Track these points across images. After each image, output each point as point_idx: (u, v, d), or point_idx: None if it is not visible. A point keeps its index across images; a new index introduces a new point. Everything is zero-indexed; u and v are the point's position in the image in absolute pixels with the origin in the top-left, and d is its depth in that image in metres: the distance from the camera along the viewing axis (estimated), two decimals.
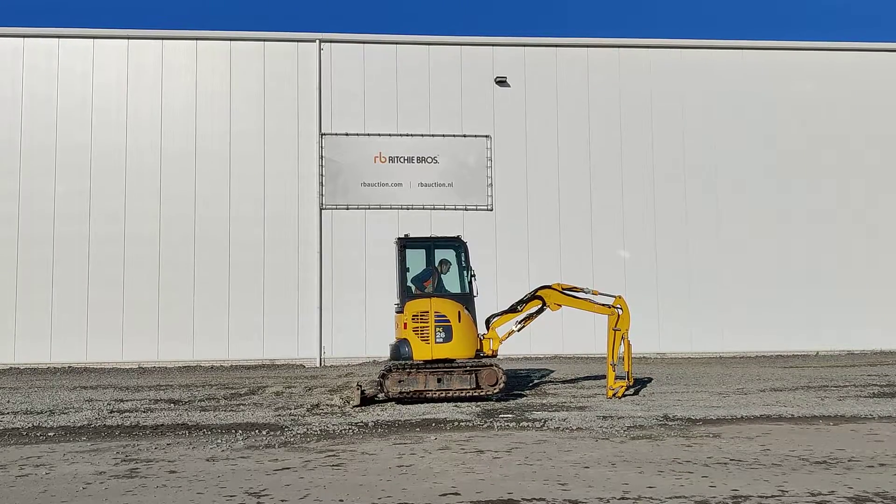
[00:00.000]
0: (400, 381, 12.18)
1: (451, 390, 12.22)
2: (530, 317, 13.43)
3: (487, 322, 13.22)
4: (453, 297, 12.68)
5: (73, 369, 19.83)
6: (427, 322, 12.39)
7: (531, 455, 8.05)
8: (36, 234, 20.67)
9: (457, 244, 13.14)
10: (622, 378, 13.16)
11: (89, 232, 20.78)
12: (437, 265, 13.02)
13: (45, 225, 20.72)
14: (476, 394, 12.29)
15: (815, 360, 20.75)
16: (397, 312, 12.83)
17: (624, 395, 12.96)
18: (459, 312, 12.47)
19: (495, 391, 12.36)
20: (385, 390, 12.24)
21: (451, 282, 12.95)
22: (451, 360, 12.53)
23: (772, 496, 6.27)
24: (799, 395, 12.84)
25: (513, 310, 13.38)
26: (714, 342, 21.83)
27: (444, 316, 12.39)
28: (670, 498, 6.25)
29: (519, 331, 13.42)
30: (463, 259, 12.96)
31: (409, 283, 12.88)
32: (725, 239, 22.29)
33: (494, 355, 13.00)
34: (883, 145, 22.93)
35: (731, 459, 7.71)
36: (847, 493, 6.35)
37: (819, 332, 21.96)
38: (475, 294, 12.85)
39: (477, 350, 12.71)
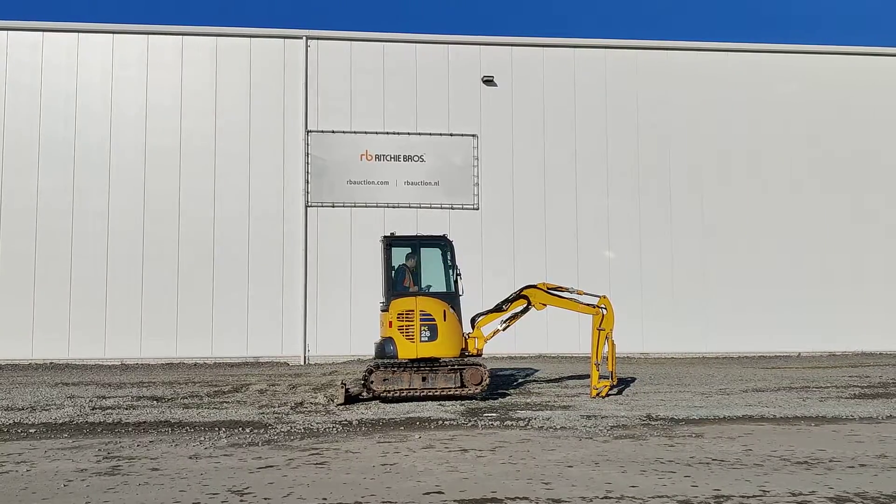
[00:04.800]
0: (385, 380, 12.16)
1: (435, 389, 12.22)
2: (515, 316, 13.44)
3: (472, 321, 13.21)
4: (439, 296, 12.66)
5: (54, 365, 19.67)
6: (412, 321, 12.36)
7: (515, 454, 8.06)
8: (18, 230, 20.51)
9: (442, 243, 13.11)
10: (606, 378, 13.20)
11: (72, 228, 20.63)
12: (405, 262, 12.96)
13: (28, 220, 20.55)
14: (461, 393, 12.30)
15: (797, 361, 20.91)
16: (382, 311, 12.80)
17: (608, 395, 13.00)
18: (445, 311, 12.45)
19: (480, 390, 12.36)
20: (370, 388, 12.21)
21: (437, 280, 12.92)
22: (437, 359, 12.52)
23: (753, 496, 6.31)
24: (781, 396, 12.93)
25: (498, 309, 13.39)
26: (697, 342, 21.96)
27: (429, 315, 12.37)
28: (653, 497, 6.27)
29: (504, 330, 13.44)
30: (449, 258, 12.93)
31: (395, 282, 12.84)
32: (710, 240, 22.42)
33: (479, 354, 13.00)
34: (868, 149, 23.13)
35: (713, 459, 7.75)
36: (828, 494, 6.39)
37: (801, 334, 22.14)
38: (461, 293, 12.84)
39: (462, 349, 12.70)
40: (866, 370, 17.84)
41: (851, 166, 23.03)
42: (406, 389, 12.15)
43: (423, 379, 12.24)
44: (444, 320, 12.43)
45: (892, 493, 6.39)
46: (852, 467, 7.39)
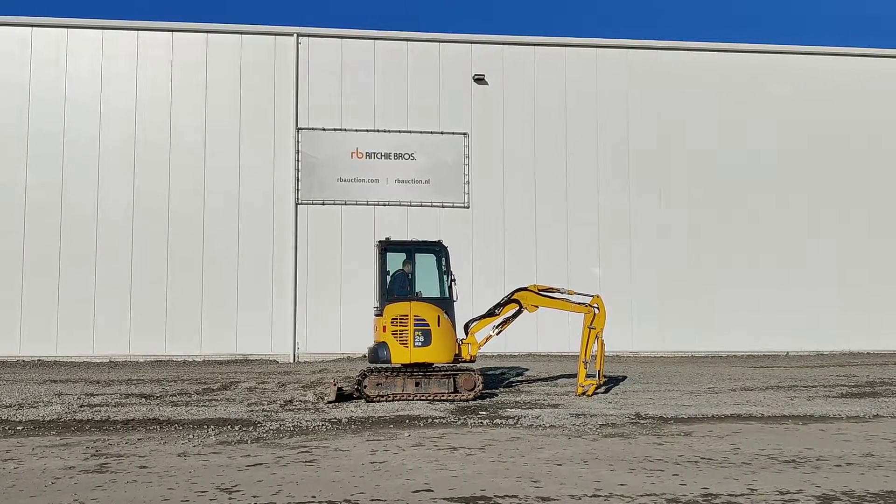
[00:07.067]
0: (378, 385, 12.13)
1: (428, 394, 12.20)
2: (507, 320, 13.43)
3: (466, 327, 13.19)
4: (433, 301, 12.62)
5: (42, 363, 19.56)
6: (406, 326, 12.31)
7: (504, 452, 8.07)
8: (6, 226, 20.40)
9: (437, 248, 13.04)
10: (592, 376, 13.21)
11: (61, 224, 20.53)
12: (402, 268, 12.89)
13: (16, 216, 20.43)
14: (454, 398, 12.25)
15: (785, 360, 21.01)
16: (376, 316, 12.72)
17: (594, 394, 13.00)
18: (439, 317, 12.41)
19: (473, 396, 12.32)
20: (363, 394, 12.14)
21: (431, 286, 12.85)
22: (430, 365, 12.49)
23: (741, 494, 6.33)
24: (769, 395, 12.98)
25: (490, 314, 13.38)
26: (686, 342, 22.04)
27: (423, 320, 12.32)
28: (641, 496, 6.29)
29: (497, 335, 13.46)
30: (443, 263, 12.88)
31: (390, 289, 12.75)
32: (698, 240, 22.50)
33: (473, 360, 12.95)
34: (858, 150, 23.24)
35: (701, 458, 7.78)
36: (815, 492, 6.42)
37: (789, 333, 22.24)
38: (455, 299, 12.80)
39: (455, 355, 12.67)
40: (853, 370, 17.93)
41: (841, 168, 23.14)
42: (399, 394, 12.13)
43: (417, 384, 12.21)
44: (438, 326, 12.38)
45: (878, 492, 6.43)
46: (839, 466, 7.43)
